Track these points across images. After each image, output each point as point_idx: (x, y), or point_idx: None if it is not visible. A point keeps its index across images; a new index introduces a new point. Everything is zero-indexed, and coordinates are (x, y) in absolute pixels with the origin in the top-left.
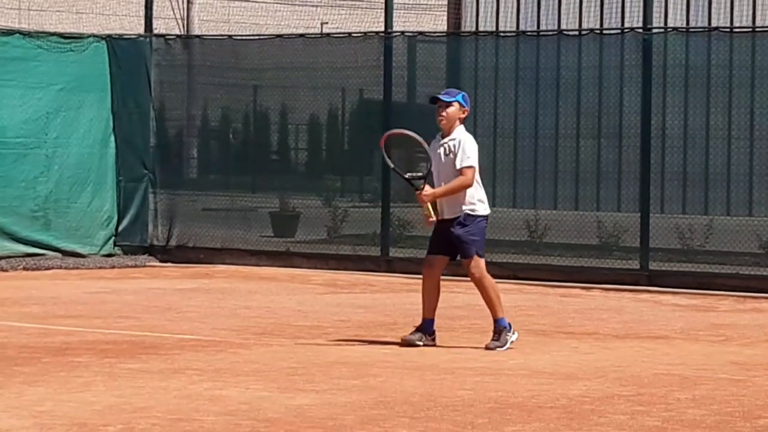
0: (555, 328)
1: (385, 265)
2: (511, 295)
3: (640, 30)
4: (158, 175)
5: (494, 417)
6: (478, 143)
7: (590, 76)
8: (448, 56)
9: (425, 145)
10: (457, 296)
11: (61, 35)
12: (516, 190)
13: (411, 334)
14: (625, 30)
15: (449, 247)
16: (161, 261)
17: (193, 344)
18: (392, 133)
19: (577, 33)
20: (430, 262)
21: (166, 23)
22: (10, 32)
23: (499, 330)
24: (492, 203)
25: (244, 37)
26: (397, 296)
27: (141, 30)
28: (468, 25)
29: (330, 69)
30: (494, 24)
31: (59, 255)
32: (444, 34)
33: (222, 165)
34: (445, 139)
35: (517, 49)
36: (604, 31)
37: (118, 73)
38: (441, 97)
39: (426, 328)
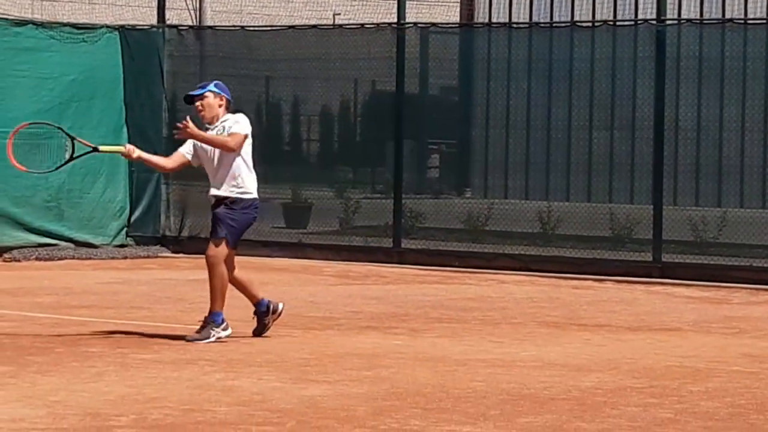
0: (567, 320)
1: (397, 256)
2: (523, 287)
3: (654, 22)
4: None
5: (506, 408)
6: (491, 135)
7: (603, 67)
8: (460, 48)
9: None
10: (470, 288)
11: (74, 26)
12: (528, 181)
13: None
14: (639, 22)
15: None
16: (173, 252)
17: None
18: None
19: (590, 25)
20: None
21: (179, 14)
22: (23, 23)
23: (207, 321)
24: (504, 195)
25: (256, 28)
26: (409, 287)
27: (154, 21)
28: (481, 16)
29: (342, 60)
30: (507, 15)
31: (72, 245)
32: (457, 25)
33: None
34: (213, 126)
35: (530, 41)
36: (618, 23)
37: (130, 64)
38: (191, 93)
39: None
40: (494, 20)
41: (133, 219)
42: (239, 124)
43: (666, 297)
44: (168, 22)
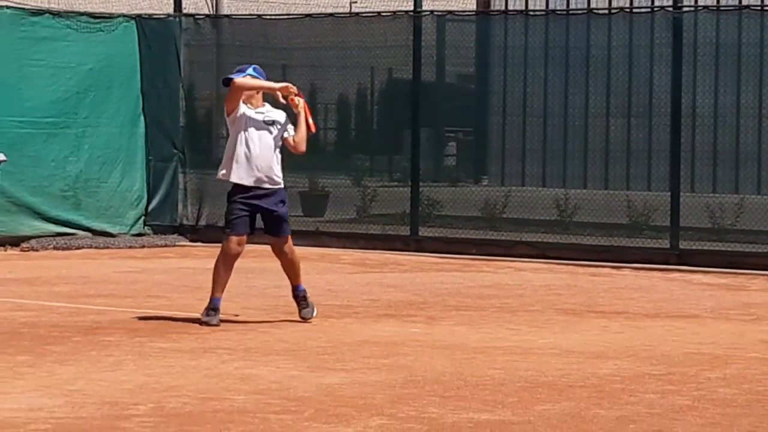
0: (585, 307)
1: (415, 244)
2: (541, 275)
3: (671, 8)
4: (188, 154)
5: (524, 396)
6: (508, 122)
7: (620, 54)
8: (477, 35)
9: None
10: (487, 275)
11: (91, 15)
12: (546, 169)
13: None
14: (656, 8)
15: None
16: (191, 240)
17: (223, 323)
18: None
19: (607, 12)
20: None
21: (195, 3)
22: (39, 12)
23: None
24: (522, 182)
25: (273, 17)
26: (426, 275)
27: (170, 10)
28: (498, 3)
29: (359, 48)
30: (524, 3)
31: (89, 234)
32: (473, 12)
33: None
34: (260, 110)
35: (546, 28)
36: (635, 10)
37: (147, 53)
38: (231, 76)
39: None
40: (511, 8)
41: (150, 208)
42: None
43: (683, 284)
44: (184, 11)
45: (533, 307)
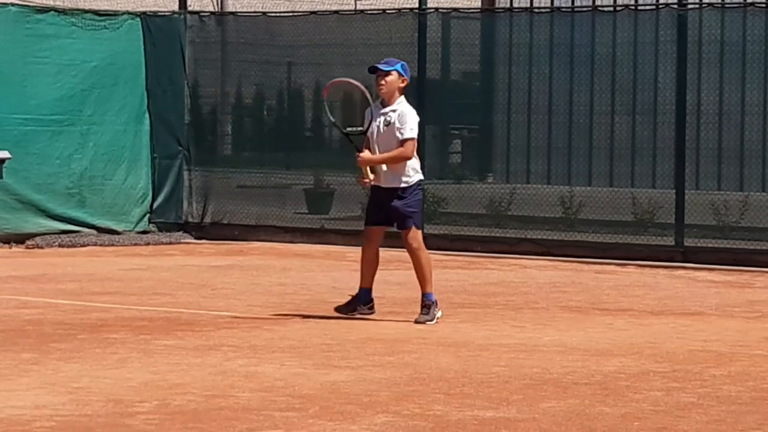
0: (590, 304)
1: None
2: (546, 272)
3: (675, 6)
4: (193, 152)
5: (529, 393)
6: (513, 120)
7: (625, 52)
8: (482, 33)
9: (367, 94)
10: (492, 273)
11: (96, 12)
12: (550, 166)
13: (345, 304)
14: (660, 6)
15: (387, 216)
16: (196, 238)
17: (228, 321)
18: (335, 81)
19: (611, 9)
20: (369, 233)
21: (200, 0)
22: (44, 9)
23: (428, 304)
24: (526, 180)
25: (278, 14)
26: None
27: (175, 7)
28: (502, 1)
29: (364, 46)
30: (528, 0)
31: (94, 232)
32: (478, 10)
33: (256, 142)
34: (386, 109)
35: (551, 26)
36: (639, 7)
37: (152, 51)
38: (379, 66)
39: (363, 297)
40: (516, 5)
41: (155, 205)
42: (412, 131)
43: (688, 281)
44: (189, 9)
45: (538, 305)
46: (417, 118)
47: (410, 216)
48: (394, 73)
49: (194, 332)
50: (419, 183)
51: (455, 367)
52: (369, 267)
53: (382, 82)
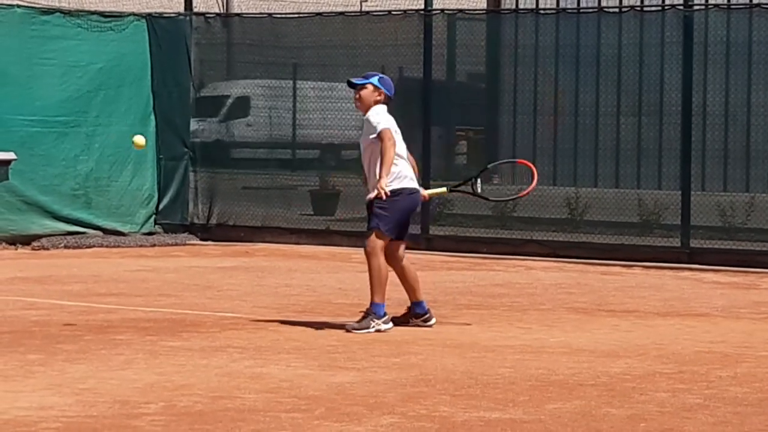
0: (595, 305)
1: (425, 243)
2: (552, 273)
3: (681, 7)
4: (198, 153)
5: (535, 395)
6: (518, 121)
7: (631, 53)
8: (488, 34)
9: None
10: (498, 274)
11: (102, 14)
12: (556, 167)
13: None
14: (666, 7)
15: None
16: (201, 239)
17: (233, 322)
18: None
19: (617, 10)
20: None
21: (206, 1)
22: (50, 11)
23: (367, 312)
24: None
25: (283, 16)
26: (437, 274)
27: (181, 8)
28: (508, 2)
29: (370, 47)
30: (534, 1)
31: (100, 233)
32: (484, 11)
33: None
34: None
35: (557, 27)
36: (645, 8)
37: (158, 52)
38: (353, 80)
39: (414, 311)
40: (521, 6)
41: (161, 206)
42: (379, 123)
43: (694, 282)
44: (195, 10)
45: (544, 306)
46: (382, 114)
47: (377, 216)
48: (369, 86)
49: (200, 333)
50: (411, 191)
51: (461, 369)
52: (403, 282)
53: (357, 96)
